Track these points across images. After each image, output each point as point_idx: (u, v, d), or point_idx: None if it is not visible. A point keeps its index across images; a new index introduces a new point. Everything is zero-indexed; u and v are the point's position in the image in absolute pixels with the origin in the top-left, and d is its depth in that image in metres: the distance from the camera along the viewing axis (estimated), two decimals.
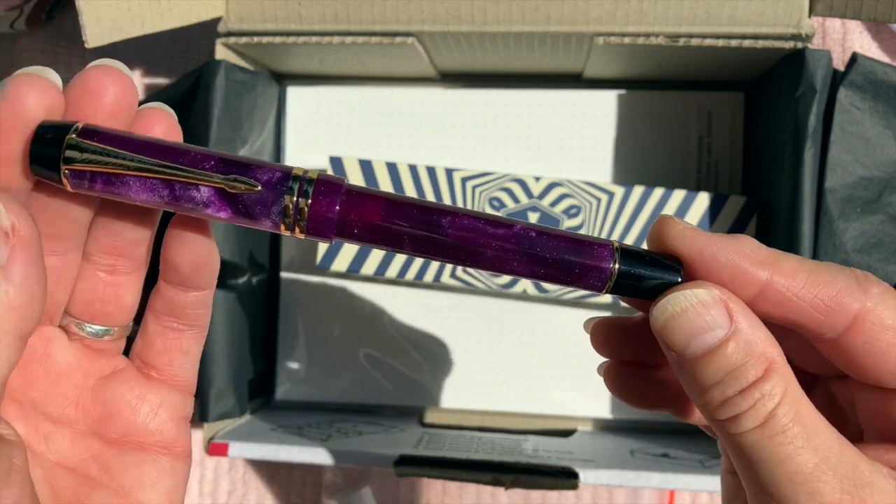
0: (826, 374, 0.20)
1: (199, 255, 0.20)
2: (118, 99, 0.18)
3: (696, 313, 0.17)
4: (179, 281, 0.21)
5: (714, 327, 0.17)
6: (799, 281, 0.17)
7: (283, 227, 0.18)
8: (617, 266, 0.19)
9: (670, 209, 0.38)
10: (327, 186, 0.18)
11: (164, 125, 0.19)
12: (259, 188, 0.18)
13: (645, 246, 0.20)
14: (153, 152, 0.18)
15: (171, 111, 0.19)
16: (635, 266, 0.19)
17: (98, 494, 0.20)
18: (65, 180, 0.18)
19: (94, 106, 0.18)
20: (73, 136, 0.17)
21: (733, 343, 0.17)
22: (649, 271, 0.19)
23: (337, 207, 0.18)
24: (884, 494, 0.16)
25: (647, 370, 0.22)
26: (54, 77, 0.18)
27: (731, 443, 0.17)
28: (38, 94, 0.17)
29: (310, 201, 0.18)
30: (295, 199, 0.18)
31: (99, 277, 0.20)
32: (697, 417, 0.22)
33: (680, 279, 0.18)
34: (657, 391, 0.22)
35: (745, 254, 0.18)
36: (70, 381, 0.20)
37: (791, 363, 0.17)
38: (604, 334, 0.22)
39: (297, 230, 0.18)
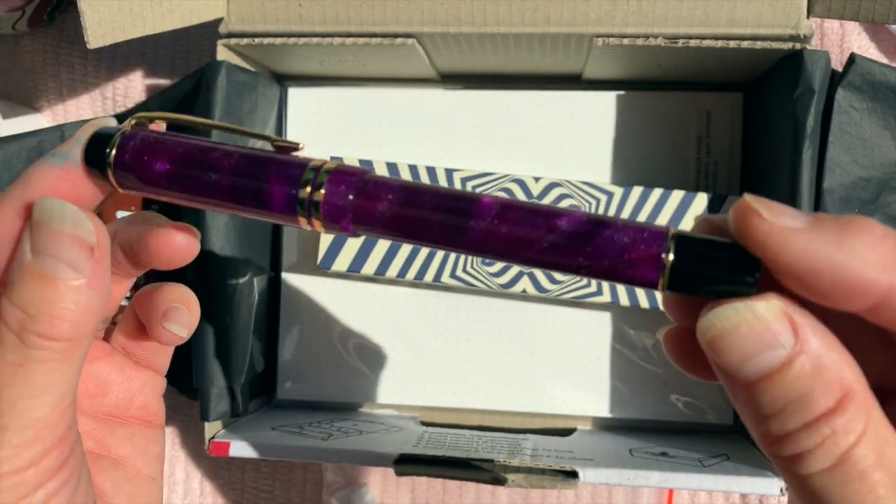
0: None
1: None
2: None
3: (752, 330, 0.14)
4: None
5: (775, 346, 0.14)
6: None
7: (301, 219, 0.18)
8: (671, 257, 0.15)
9: (669, 209, 0.38)
10: (343, 176, 0.18)
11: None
12: (301, 146, 0.19)
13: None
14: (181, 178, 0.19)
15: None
16: (694, 260, 0.15)
17: (100, 464, 0.22)
18: (113, 180, 0.19)
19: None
20: (119, 137, 0.19)
21: (798, 365, 0.14)
22: (715, 269, 0.15)
23: (351, 197, 0.18)
24: None
25: None
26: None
27: (794, 484, 0.14)
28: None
29: (324, 192, 0.18)
30: (310, 190, 0.18)
31: None
32: None
33: (753, 282, 0.15)
34: None
35: (861, 257, 0.14)
36: None
37: (887, 379, 0.15)
38: (677, 344, 0.19)
39: (315, 223, 0.18)
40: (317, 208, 0.18)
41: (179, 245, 0.21)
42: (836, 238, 0.14)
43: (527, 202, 0.17)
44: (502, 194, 0.39)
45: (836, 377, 0.14)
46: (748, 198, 0.15)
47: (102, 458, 0.22)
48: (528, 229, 0.16)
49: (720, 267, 0.15)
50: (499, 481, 0.33)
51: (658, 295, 0.37)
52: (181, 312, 0.22)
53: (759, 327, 0.14)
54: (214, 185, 0.18)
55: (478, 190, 0.39)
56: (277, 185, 0.18)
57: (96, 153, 0.19)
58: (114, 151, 0.19)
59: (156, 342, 0.23)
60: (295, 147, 0.19)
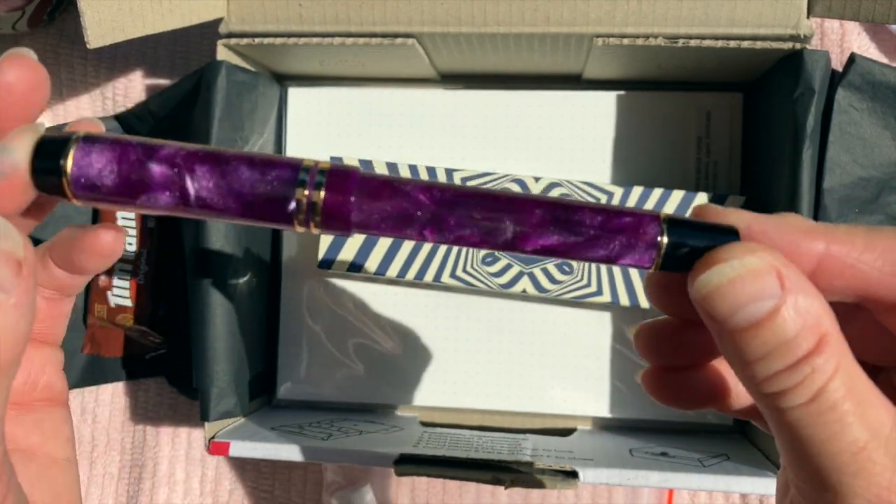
0: (891, 363, 0.19)
1: (109, 260, 0.21)
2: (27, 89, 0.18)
3: (744, 283, 0.16)
4: (77, 271, 0.21)
5: (763, 297, 0.15)
6: (858, 245, 0.16)
7: (296, 224, 0.17)
8: (665, 239, 0.17)
9: (669, 209, 0.38)
10: (340, 176, 0.17)
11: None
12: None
13: None
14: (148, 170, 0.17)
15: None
16: (686, 236, 0.17)
17: (13, 460, 0.20)
18: (68, 191, 0.18)
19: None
20: (75, 145, 0.17)
21: (784, 313, 0.15)
22: (703, 240, 0.17)
23: (353, 198, 0.17)
24: None
25: (687, 372, 0.21)
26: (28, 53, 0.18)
27: (776, 419, 0.16)
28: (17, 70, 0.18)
29: (323, 193, 0.17)
30: (307, 192, 0.17)
31: None
32: (739, 409, 0.21)
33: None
34: (700, 392, 0.21)
35: (796, 227, 0.17)
36: None
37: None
38: (648, 338, 0.21)
39: (311, 225, 0.17)
40: (315, 211, 0.17)
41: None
42: (777, 217, 0.17)
43: (529, 194, 0.18)
44: None
45: (815, 322, 0.15)
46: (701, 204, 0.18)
47: (13, 454, 0.20)
48: (529, 218, 0.17)
49: (706, 241, 0.17)
50: (499, 482, 0.33)
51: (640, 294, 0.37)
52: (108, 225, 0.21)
53: (750, 281, 0.16)
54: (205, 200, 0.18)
55: None
56: (269, 188, 0.17)
57: (46, 162, 0.17)
58: (70, 161, 0.17)
59: (79, 272, 0.21)
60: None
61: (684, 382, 0.21)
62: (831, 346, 0.15)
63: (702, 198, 0.38)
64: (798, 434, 0.15)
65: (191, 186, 0.17)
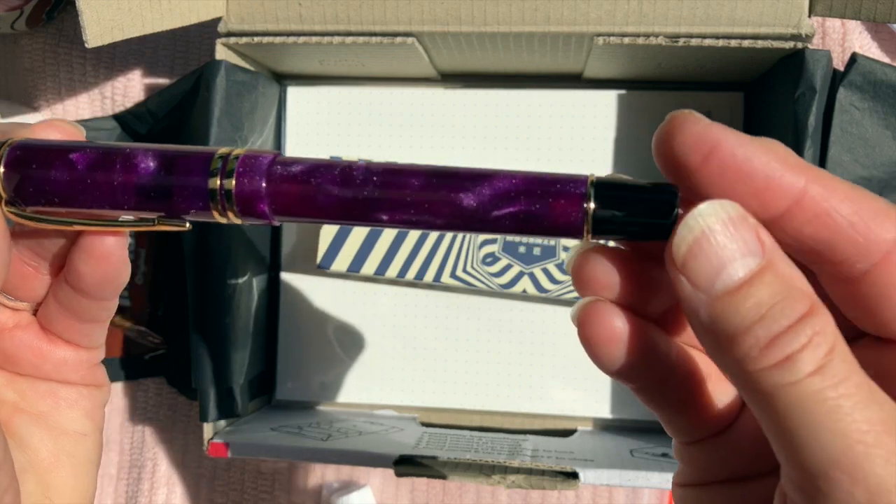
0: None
1: (108, 270, 0.19)
2: None
3: (727, 233, 0.14)
4: (80, 289, 0.20)
5: (745, 254, 0.14)
6: (839, 193, 0.14)
7: (215, 213, 0.17)
8: (592, 205, 0.16)
9: None
10: (251, 163, 0.17)
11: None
12: (187, 226, 0.17)
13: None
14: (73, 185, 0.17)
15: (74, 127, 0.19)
16: (617, 198, 0.16)
17: (19, 419, 0.20)
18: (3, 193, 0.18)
19: None
20: (7, 150, 0.18)
21: (770, 273, 0.14)
22: (636, 200, 0.16)
23: (263, 184, 0.17)
24: None
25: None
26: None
27: (771, 404, 0.13)
28: None
29: (234, 182, 0.17)
30: (219, 181, 0.17)
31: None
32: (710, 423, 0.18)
33: (676, 204, 0.15)
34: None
35: (781, 156, 0.15)
36: None
37: None
38: (591, 268, 0.17)
39: (230, 215, 0.17)
40: (229, 198, 0.17)
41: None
42: (759, 140, 0.15)
43: (448, 168, 0.17)
44: None
45: (801, 286, 0.14)
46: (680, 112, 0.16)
47: (20, 412, 0.21)
48: (446, 195, 0.16)
49: (643, 202, 0.16)
50: (499, 482, 0.33)
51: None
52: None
53: (732, 230, 0.14)
54: (121, 189, 0.17)
55: None
56: (185, 178, 0.17)
57: None
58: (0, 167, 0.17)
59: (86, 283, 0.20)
60: (181, 227, 0.18)
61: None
62: (822, 308, 0.14)
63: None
64: (803, 420, 0.13)
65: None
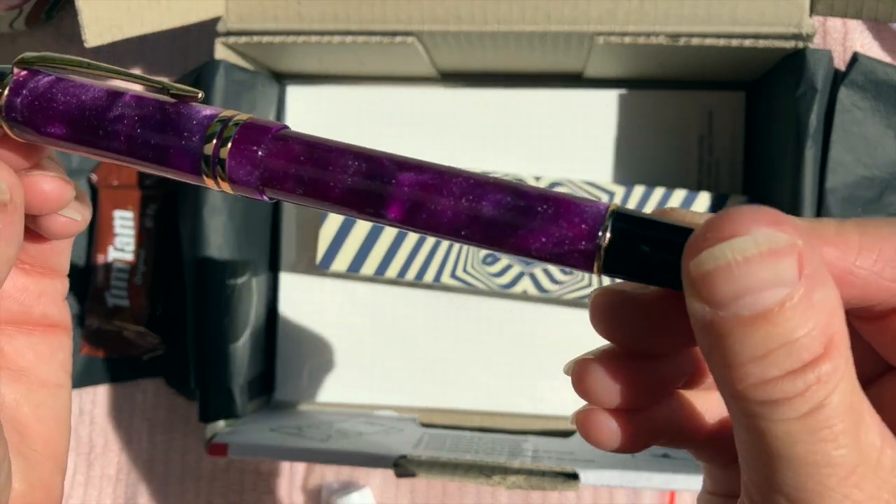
0: (865, 379, 0.16)
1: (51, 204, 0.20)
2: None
3: (762, 263, 0.13)
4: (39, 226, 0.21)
5: (777, 284, 0.12)
6: (853, 246, 0.14)
7: (205, 177, 0.16)
8: (608, 235, 0.14)
9: None
10: (253, 131, 0.16)
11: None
12: (200, 95, 0.17)
13: None
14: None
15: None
16: (637, 236, 0.14)
17: (1, 377, 0.21)
18: (5, 126, 0.18)
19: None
20: (10, 81, 0.18)
21: (798, 306, 0.12)
22: (657, 241, 0.14)
23: (259, 154, 0.16)
24: None
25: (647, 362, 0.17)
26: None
27: (756, 432, 0.13)
28: None
29: (230, 147, 0.16)
30: (214, 145, 0.16)
31: None
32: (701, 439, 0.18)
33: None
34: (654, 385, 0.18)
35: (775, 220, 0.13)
36: None
37: None
38: (609, 308, 0.17)
39: (220, 182, 0.16)
40: (222, 166, 0.16)
41: (51, 191, 0.19)
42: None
43: (454, 169, 0.16)
44: None
45: (827, 321, 0.13)
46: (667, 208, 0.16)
47: (2, 370, 0.21)
48: (453, 201, 0.16)
49: (661, 247, 0.14)
50: (499, 483, 0.33)
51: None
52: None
53: (769, 261, 0.13)
54: (115, 136, 0.17)
55: None
56: (180, 137, 0.16)
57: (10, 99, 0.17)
58: (5, 94, 0.17)
59: (50, 238, 0.21)
60: (194, 96, 0.17)
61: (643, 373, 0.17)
62: (839, 350, 0.13)
63: (704, 197, 0.37)
64: (779, 453, 0.13)
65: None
